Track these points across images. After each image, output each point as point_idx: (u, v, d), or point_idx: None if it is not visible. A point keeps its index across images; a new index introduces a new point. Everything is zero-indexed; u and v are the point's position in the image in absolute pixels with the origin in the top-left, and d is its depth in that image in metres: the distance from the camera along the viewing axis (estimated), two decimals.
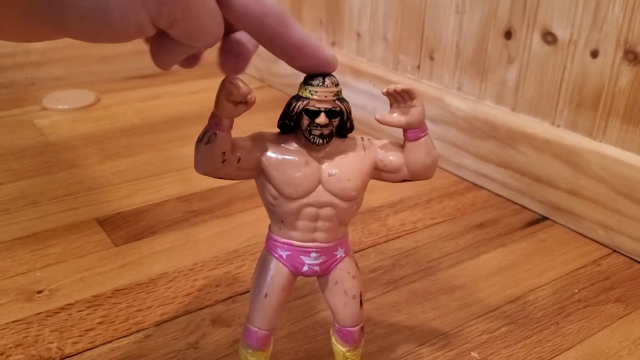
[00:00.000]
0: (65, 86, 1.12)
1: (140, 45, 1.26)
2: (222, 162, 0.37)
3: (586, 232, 0.68)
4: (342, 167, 0.39)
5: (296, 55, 0.35)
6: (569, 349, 0.52)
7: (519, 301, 0.57)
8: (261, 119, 1.01)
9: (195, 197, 0.75)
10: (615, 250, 0.66)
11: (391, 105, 0.39)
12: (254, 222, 0.70)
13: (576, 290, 0.59)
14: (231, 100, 0.35)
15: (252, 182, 0.78)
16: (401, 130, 0.40)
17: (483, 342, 0.52)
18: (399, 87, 0.37)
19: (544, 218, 0.72)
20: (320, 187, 0.38)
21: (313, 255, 0.40)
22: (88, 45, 1.12)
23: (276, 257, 0.41)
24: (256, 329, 0.42)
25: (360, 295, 0.42)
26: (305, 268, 0.41)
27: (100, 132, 0.95)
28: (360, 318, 0.43)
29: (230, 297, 0.57)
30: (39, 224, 0.68)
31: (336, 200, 0.39)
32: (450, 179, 0.81)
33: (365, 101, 0.92)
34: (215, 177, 0.38)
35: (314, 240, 0.40)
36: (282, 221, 0.39)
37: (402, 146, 0.40)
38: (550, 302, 0.57)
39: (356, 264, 0.43)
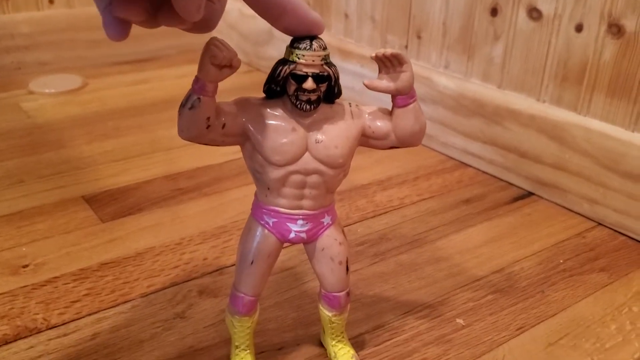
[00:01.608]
0: (52, 71, 1.11)
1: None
2: (207, 127, 0.36)
3: (571, 206, 0.68)
4: (330, 134, 0.38)
5: (281, 14, 0.34)
6: (553, 315, 0.52)
7: (504, 271, 0.58)
8: None
9: (183, 176, 0.75)
10: (600, 223, 0.66)
11: (380, 71, 0.38)
12: (241, 199, 0.70)
13: (561, 261, 0.60)
14: (215, 64, 0.34)
15: (240, 162, 0.78)
16: (389, 97, 0.39)
17: (468, 309, 0.52)
18: (389, 51, 0.37)
19: (530, 193, 0.72)
20: (307, 154, 0.38)
21: (300, 222, 0.40)
22: (75, 29, 1.12)
23: (262, 224, 0.40)
24: (242, 295, 0.42)
25: (347, 262, 0.42)
26: (292, 235, 0.40)
27: (87, 114, 0.94)
28: (346, 284, 0.43)
29: (217, 270, 0.57)
30: (25, 202, 0.68)
31: (323, 168, 0.38)
32: (438, 157, 0.81)
33: (353, 82, 0.92)
34: (200, 143, 0.38)
35: (300, 208, 0.40)
36: (269, 188, 0.39)
37: (390, 113, 0.40)
38: (536, 272, 0.58)
39: (343, 231, 0.43)
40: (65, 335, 0.49)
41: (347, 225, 0.65)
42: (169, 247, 0.61)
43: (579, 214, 0.68)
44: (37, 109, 0.96)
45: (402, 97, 0.38)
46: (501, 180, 0.75)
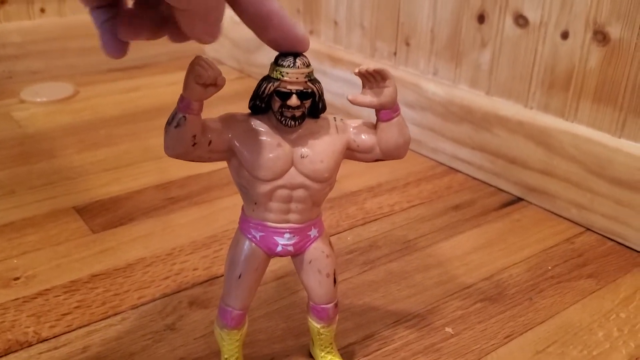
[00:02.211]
0: (43, 79, 1.11)
1: None
2: (193, 145, 0.36)
3: (560, 212, 0.69)
4: (315, 149, 0.38)
5: (268, 27, 0.34)
6: (541, 322, 0.53)
7: (493, 278, 0.58)
8: (240, 108, 1.01)
9: (174, 185, 0.75)
10: (588, 229, 0.67)
11: (363, 86, 0.38)
12: (231, 208, 0.71)
13: (549, 267, 0.60)
14: (200, 83, 0.35)
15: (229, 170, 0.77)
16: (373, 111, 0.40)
17: (457, 317, 0.53)
18: (371, 67, 0.37)
19: (519, 199, 0.73)
20: (292, 168, 0.38)
21: (287, 236, 0.40)
22: (66, 38, 1.12)
23: (249, 238, 0.41)
24: (230, 309, 0.42)
25: (334, 274, 0.43)
26: (279, 248, 0.41)
27: (79, 123, 0.94)
28: (334, 295, 0.43)
29: (207, 280, 0.57)
30: (16, 213, 0.68)
31: (309, 182, 0.38)
32: (427, 163, 0.82)
33: (343, 89, 0.92)
34: (187, 160, 0.38)
35: (287, 222, 0.40)
36: (255, 203, 0.39)
37: (374, 126, 0.40)
38: (524, 279, 0.58)
39: (330, 243, 0.43)
40: (56, 348, 0.49)
41: (337, 233, 0.66)
42: (160, 257, 0.61)
43: (567, 219, 0.68)
44: (29, 118, 0.96)
45: (385, 111, 0.39)
46: (490, 185, 0.76)
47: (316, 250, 0.42)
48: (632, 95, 0.61)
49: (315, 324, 0.45)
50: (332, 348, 0.46)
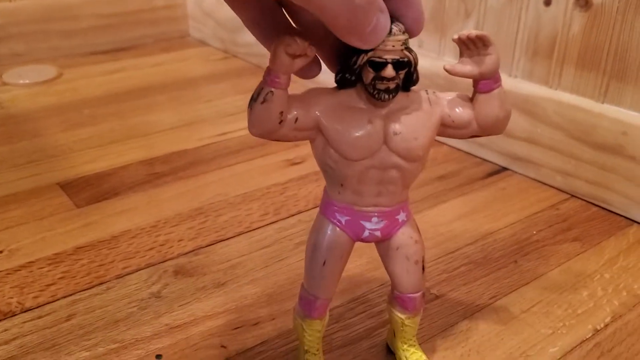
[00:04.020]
0: (26, 62, 1.10)
1: (102, 20, 1.25)
2: (280, 122, 0.34)
3: (545, 179, 0.69)
4: (408, 125, 0.35)
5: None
6: (526, 284, 0.53)
7: (478, 243, 0.58)
8: (226, 87, 1.01)
9: (158, 161, 0.75)
10: (572, 195, 0.67)
11: (461, 55, 0.35)
12: (217, 182, 0.70)
13: (534, 232, 0.60)
14: (290, 53, 0.32)
15: (215, 146, 0.78)
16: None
17: (442, 280, 0.53)
18: (473, 33, 0.34)
19: (504, 169, 0.73)
20: (384, 147, 0.35)
21: (375, 219, 0.37)
22: (49, 20, 1.11)
23: (334, 223, 0.38)
24: (314, 298, 0.40)
25: (423, 261, 0.40)
26: (366, 233, 0.38)
27: (62, 104, 0.94)
28: (422, 284, 0.41)
29: (192, 250, 0.57)
30: None
31: (401, 161, 0.35)
32: None
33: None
34: (271, 139, 0.35)
35: (376, 205, 0.37)
36: (342, 184, 0.36)
37: (470, 99, 0.37)
38: (509, 243, 0.58)
39: (417, 229, 0.40)
40: (40, 317, 0.49)
41: None
42: (145, 229, 0.60)
43: (552, 186, 0.69)
44: (12, 99, 0.95)
45: (486, 81, 0.35)
46: (475, 156, 0.76)
47: (404, 236, 0.39)
48: (615, 60, 0.61)
49: (399, 315, 0.41)
50: (414, 341, 0.43)
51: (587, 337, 0.47)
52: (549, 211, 0.64)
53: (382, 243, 0.39)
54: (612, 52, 0.61)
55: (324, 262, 0.38)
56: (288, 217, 0.63)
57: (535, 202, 0.66)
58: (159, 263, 0.55)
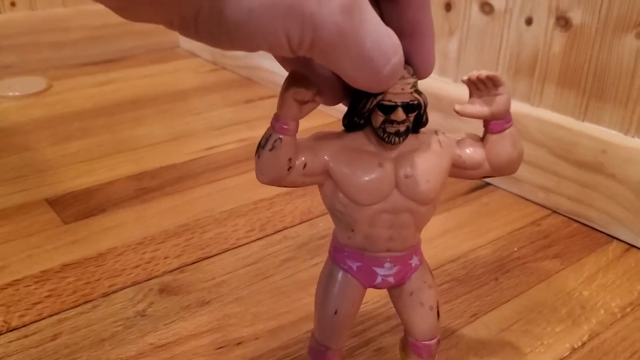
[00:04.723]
0: (15, 74, 1.10)
1: (91, 32, 1.25)
2: (288, 169, 0.33)
3: (527, 195, 0.70)
4: (419, 167, 0.34)
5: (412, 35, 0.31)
6: (506, 302, 0.54)
7: (459, 260, 0.59)
8: (215, 99, 1.02)
9: (146, 176, 0.76)
10: (554, 211, 0.68)
11: (471, 95, 0.35)
12: (204, 197, 0.71)
13: (515, 249, 0.61)
14: (298, 100, 0.31)
15: (203, 160, 0.78)
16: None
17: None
18: (484, 73, 0.33)
19: (487, 184, 0.74)
20: (395, 191, 0.34)
21: (387, 265, 0.36)
22: (38, 32, 1.11)
23: (344, 269, 0.37)
24: (325, 349, 0.38)
25: (437, 306, 0.39)
26: (379, 280, 0.37)
27: (52, 117, 0.94)
28: (437, 330, 0.39)
29: (178, 268, 0.58)
30: None
31: (413, 205, 0.34)
32: None
33: None
34: (279, 186, 0.34)
35: (388, 250, 0.36)
36: (352, 230, 0.35)
37: (481, 139, 0.36)
38: (491, 260, 0.59)
39: (431, 272, 0.39)
40: (26, 336, 0.49)
41: (309, 220, 0.66)
42: (131, 247, 0.61)
43: (534, 202, 0.70)
44: (1, 112, 0.95)
45: (497, 122, 0.35)
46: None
47: (418, 281, 0.37)
48: (594, 79, 0.62)
49: None
50: None
51: (565, 355, 0.48)
52: (531, 227, 0.65)
53: (395, 289, 0.38)
54: (592, 71, 0.62)
55: (336, 311, 0.37)
56: (274, 233, 0.64)
57: (518, 218, 0.67)
58: (145, 281, 0.56)
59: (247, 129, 0.89)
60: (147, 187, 0.73)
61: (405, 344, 0.40)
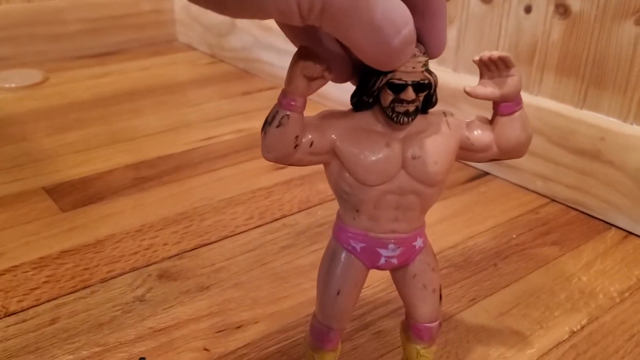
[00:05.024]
0: (12, 66, 1.10)
1: (88, 24, 1.24)
2: (295, 147, 0.32)
3: (525, 184, 0.70)
4: (427, 148, 0.34)
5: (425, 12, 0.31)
6: (505, 287, 0.54)
7: (458, 247, 0.59)
8: (213, 91, 1.01)
9: (144, 165, 0.75)
10: (552, 199, 0.68)
11: (481, 76, 0.34)
12: (202, 186, 0.71)
13: (514, 236, 0.61)
14: (307, 76, 0.31)
15: (201, 150, 0.78)
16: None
17: None
18: (495, 54, 0.33)
19: (485, 173, 0.74)
20: (402, 171, 0.34)
21: (391, 246, 0.36)
22: (35, 24, 1.11)
23: (348, 250, 0.36)
24: (327, 329, 0.38)
25: (440, 289, 0.39)
26: (382, 261, 0.36)
27: (48, 108, 0.94)
28: (439, 313, 0.39)
29: (177, 254, 0.58)
30: None
31: (420, 186, 0.34)
32: None
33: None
34: (285, 164, 0.34)
35: (393, 231, 0.35)
36: (357, 210, 0.35)
37: (490, 121, 0.36)
38: (489, 247, 0.59)
39: (434, 255, 0.39)
40: (24, 321, 0.49)
41: (307, 208, 0.66)
42: (129, 234, 0.61)
43: (532, 191, 0.70)
44: None
45: (507, 104, 0.34)
46: (457, 161, 0.77)
47: (421, 263, 0.37)
48: (593, 67, 0.62)
49: (414, 345, 0.40)
50: None
51: (564, 339, 0.48)
52: (529, 215, 0.65)
53: (398, 270, 0.38)
54: (591, 58, 0.62)
55: (338, 292, 0.37)
56: (272, 221, 0.64)
57: (516, 206, 0.67)
58: (144, 267, 0.56)
59: (245, 120, 0.89)
60: (145, 176, 0.73)
61: (406, 327, 0.40)
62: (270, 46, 1.01)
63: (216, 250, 0.58)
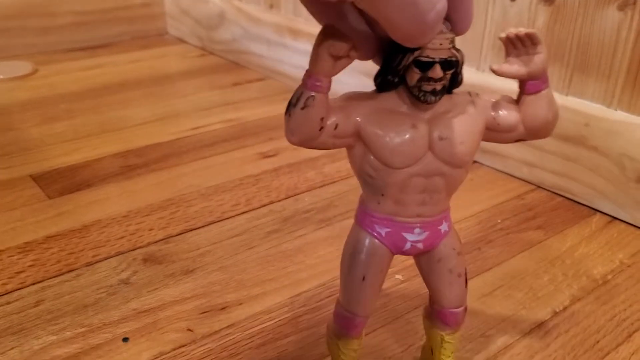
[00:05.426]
0: (1, 58, 1.10)
1: (79, 17, 1.24)
2: (320, 129, 0.32)
3: (511, 171, 0.71)
4: (454, 129, 0.33)
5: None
6: (489, 269, 0.54)
7: None
8: (202, 82, 1.02)
9: (132, 154, 0.75)
10: (538, 186, 0.68)
11: (507, 54, 0.33)
12: (190, 174, 0.71)
13: (499, 221, 0.62)
14: (334, 55, 0.30)
15: (189, 139, 0.78)
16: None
17: (407, 266, 0.54)
18: (522, 31, 0.32)
19: (473, 161, 0.74)
20: (429, 153, 0.33)
21: (417, 231, 0.35)
22: (24, 16, 1.10)
23: (373, 235, 0.35)
24: (353, 315, 0.37)
25: (465, 273, 0.38)
26: (408, 246, 0.35)
27: (37, 99, 0.94)
28: (465, 298, 0.38)
29: (163, 239, 0.58)
30: None
31: (447, 168, 0.33)
32: None
33: (304, 62, 0.93)
34: (309, 147, 0.33)
35: (419, 215, 0.35)
36: (383, 194, 0.34)
37: (516, 101, 0.35)
38: (474, 232, 0.60)
39: (459, 239, 0.38)
40: (8, 303, 0.49)
41: (295, 195, 0.66)
42: (116, 219, 0.61)
43: (518, 178, 0.70)
44: None
45: (534, 82, 0.34)
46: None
47: (446, 248, 0.36)
48: (578, 53, 0.63)
49: (438, 331, 0.39)
50: (453, 358, 0.40)
51: (546, 318, 0.48)
52: (515, 201, 0.66)
53: (423, 255, 0.37)
54: (575, 45, 0.63)
55: (364, 278, 0.36)
56: (260, 207, 0.64)
57: (502, 192, 0.67)
58: (129, 251, 0.56)
59: (234, 110, 0.89)
60: (133, 164, 0.73)
61: (431, 313, 0.39)
62: (259, 38, 1.01)
63: (202, 235, 0.59)
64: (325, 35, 0.29)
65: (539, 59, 0.33)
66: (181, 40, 1.24)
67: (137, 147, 0.77)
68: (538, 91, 0.34)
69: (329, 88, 0.31)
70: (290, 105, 0.31)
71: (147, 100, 0.94)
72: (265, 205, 0.64)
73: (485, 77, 0.71)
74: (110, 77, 1.04)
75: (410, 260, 0.53)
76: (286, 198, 0.66)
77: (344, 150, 0.34)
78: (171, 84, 1.02)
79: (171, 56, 1.17)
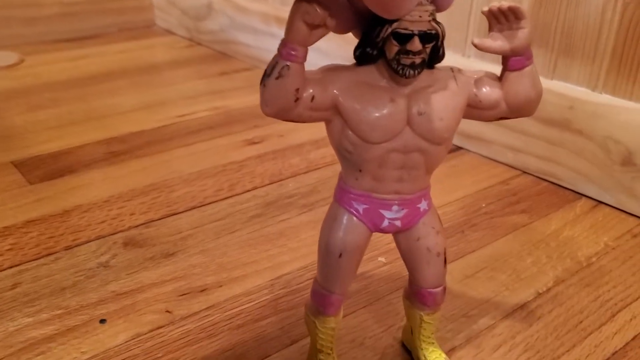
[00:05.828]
0: None
1: (66, 8, 1.23)
2: (295, 100, 0.31)
3: (496, 157, 0.70)
4: (433, 104, 0.32)
5: None
6: (472, 252, 0.54)
7: None
8: (189, 72, 1.01)
9: (115, 140, 0.75)
10: (524, 172, 0.68)
11: (490, 29, 0.33)
12: (173, 160, 0.70)
13: (483, 205, 0.61)
14: (308, 22, 0.29)
15: (173, 127, 0.78)
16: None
17: (391, 249, 0.53)
18: (505, 4, 0.31)
19: (458, 148, 0.74)
20: (407, 128, 0.32)
21: (395, 208, 0.35)
22: (10, 6, 1.09)
23: (350, 212, 0.35)
24: (329, 293, 0.37)
25: (445, 253, 0.37)
26: (385, 223, 0.35)
27: (22, 88, 0.93)
28: (444, 278, 0.38)
29: (144, 223, 0.57)
30: None
31: (425, 144, 0.33)
32: None
33: None
34: (284, 119, 0.32)
35: (397, 192, 0.34)
36: (360, 170, 0.34)
37: (499, 78, 0.34)
38: (458, 216, 0.59)
39: (439, 218, 0.37)
40: None
41: (279, 181, 0.66)
42: (97, 204, 0.60)
43: (503, 163, 0.70)
44: None
45: (517, 58, 0.33)
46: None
47: (425, 226, 0.36)
48: (562, 37, 0.62)
49: (418, 311, 0.39)
50: (433, 338, 0.40)
51: (529, 299, 0.48)
52: (499, 186, 0.65)
53: (401, 234, 0.36)
54: (559, 29, 0.62)
55: (340, 254, 0.35)
56: (243, 192, 0.63)
57: (486, 178, 0.67)
58: (109, 235, 0.55)
59: (221, 98, 0.88)
60: (117, 150, 0.72)
61: (410, 293, 0.39)
62: (246, 27, 1.00)
63: (184, 220, 0.58)
64: (301, 3, 0.29)
65: (522, 34, 0.32)
66: (169, 32, 1.24)
67: (122, 134, 0.76)
68: (521, 68, 0.33)
69: (304, 58, 0.30)
70: (265, 75, 0.31)
71: (134, 89, 0.93)
72: (248, 191, 0.64)
73: (470, 62, 0.71)
74: (97, 67, 1.03)
75: (394, 243, 0.53)
76: (270, 184, 0.65)
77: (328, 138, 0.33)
78: (158, 74, 1.01)
79: (159, 47, 1.16)
